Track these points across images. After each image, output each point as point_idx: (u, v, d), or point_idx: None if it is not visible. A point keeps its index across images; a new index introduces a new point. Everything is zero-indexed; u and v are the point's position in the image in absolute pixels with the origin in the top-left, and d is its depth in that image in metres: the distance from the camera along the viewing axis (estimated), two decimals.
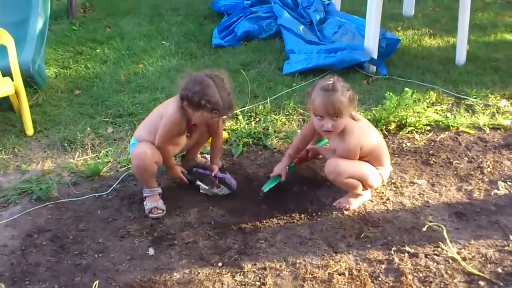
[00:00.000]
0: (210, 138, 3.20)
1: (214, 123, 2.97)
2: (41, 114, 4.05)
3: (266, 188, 2.99)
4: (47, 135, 3.78)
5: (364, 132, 2.79)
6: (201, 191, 3.06)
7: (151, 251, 2.64)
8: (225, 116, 2.90)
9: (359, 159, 2.80)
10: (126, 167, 3.33)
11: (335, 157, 2.80)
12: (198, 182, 3.07)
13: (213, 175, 3.10)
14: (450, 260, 2.48)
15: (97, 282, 2.41)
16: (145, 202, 2.94)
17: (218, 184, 3.10)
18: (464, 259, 2.48)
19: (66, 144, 3.63)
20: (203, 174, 3.14)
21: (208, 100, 2.66)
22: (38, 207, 3.00)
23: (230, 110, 2.82)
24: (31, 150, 3.60)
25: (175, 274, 2.48)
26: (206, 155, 3.36)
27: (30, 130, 3.77)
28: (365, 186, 2.84)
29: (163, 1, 7.12)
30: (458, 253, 2.51)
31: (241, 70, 4.60)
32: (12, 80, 3.80)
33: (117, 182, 3.19)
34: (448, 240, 2.56)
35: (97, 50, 5.39)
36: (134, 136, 3.01)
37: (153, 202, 2.92)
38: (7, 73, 3.85)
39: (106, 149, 3.56)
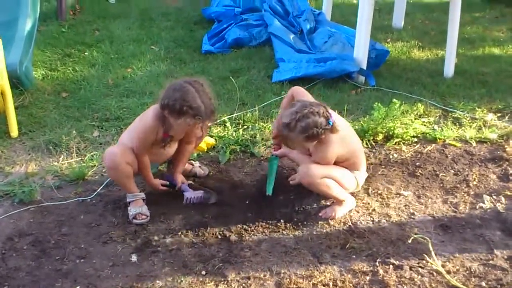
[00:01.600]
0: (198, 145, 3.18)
1: (192, 131, 2.93)
2: (27, 116, 4.00)
3: (269, 190, 2.99)
4: (32, 137, 3.73)
5: (342, 142, 2.80)
6: (183, 202, 2.99)
7: (134, 258, 2.60)
8: (208, 121, 2.85)
9: (335, 164, 2.83)
10: None
11: (306, 162, 2.84)
12: (183, 189, 3.03)
13: (176, 188, 3.05)
14: (435, 273, 2.47)
15: None
16: (129, 208, 2.91)
17: (203, 188, 3.07)
18: (448, 272, 2.47)
19: (51, 147, 3.59)
20: (171, 183, 3.06)
21: (189, 106, 2.64)
22: (20, 210, 2.95)
23: (213, 114, 2.77)
24: (15, 152, 3.55)
25: (157, 281, 2.45)
26: (193, 162, 3.34)
27: (14, 132, 3.72)
28: (341, 186, 2.85)
29: (153, 6, 7.11)
30: (443, 266, 2.51)
31: (230, 77, 4.59)
32: None
33: (102, 186, 3.15)
34: (433, 253, 2.55)
35: (86, 53, 5.36)
36: (118, 141, 2.99)
37: (137, 208, 2.89)
38: None
39: (92, 153, 3.52)
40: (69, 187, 3.18)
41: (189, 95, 2.65)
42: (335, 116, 2.80)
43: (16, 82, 4.19)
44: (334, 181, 2.80)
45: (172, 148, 3.01)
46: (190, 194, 3.00)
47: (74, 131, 3.77)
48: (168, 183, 3.07)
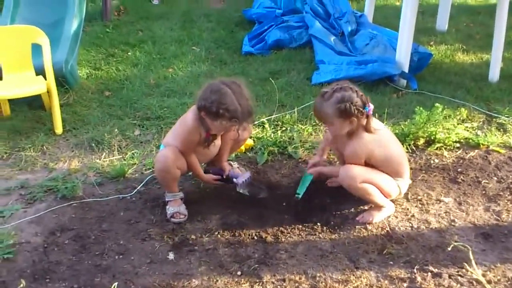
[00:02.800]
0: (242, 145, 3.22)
1: (230, 131, 2.94)
2: (71, 114, 4.12)
3: (300, 191, 2.95)
4: (75, 135, 3.83)
5: (378, 144, 2.76)
6: (237, 190, 3.03)
7: (171, 256, 2.64)
8: (245, 123, 2.83)
9: (376, 169, 2.78)
10: (151, 170, 3.35)
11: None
12: (235, 181, 3.04)
13: (224, 176, 3.07)
14: (475, 282, 2.41)
15: (116, 284, 2.42)
16: (167, 207, 2.95)
17: (254, 184, 3.09)
18: (489, 282, 2.41)
19: (93, 144, 3.68)
20: (217, 174, 3.10)
21: (226, 109, 2.64)
22: (62, 205, 3.04)
23: (250, 116, 2.78)
24: (59, 149, 3.65)
25: (193, 280, 2.47)
26: (232, 163, 3.36)
27: (59, 129, 3.84)
28: (382, 193, 2.81)
29: (195, 7, 7.19)
30: (483, 275, 2.44)
31: (270, 79, 4.60)
32: (45, 79, 3.87)
33: (142, 184, 3.21)
34: (473, 261, 2.48)
35: (129, 53, 5.47)
36: (162, 142, 3.03)
37: (175, 207, 2.93)
38: (41, 72, 3.94)
39: (133, 151, 3.59)
40: (110, 184, 3.26)
41: (226, 98, 2.65)
42: (375, 122, 2.78)
43: (62, 80, 4.32)
44: (374, 186, 2.76)
45: (216, 147, 3.03)
46: (240, 179, 3.01)
47: (116, 129, 3.85)
48: (219, 176, 3.09)
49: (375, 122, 2.80)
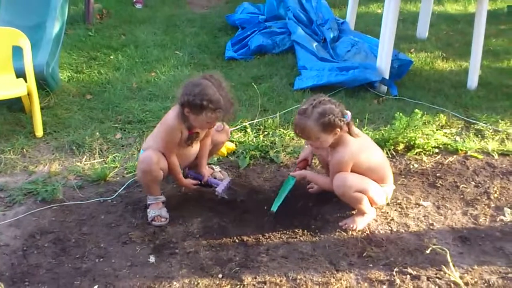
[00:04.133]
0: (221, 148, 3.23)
1: (213, 126, 2.94)
2: (52, 117, 4.08)
3: (274, 207, 2.92)
4: (56, 138, 3.80)
5: (362, 149, 2.79)
6: (216, 194, 3.04)
7: (152, 259, 2.63)
8: (229, 115, 2.82)
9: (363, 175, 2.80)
10: (132, 173, 3.34)
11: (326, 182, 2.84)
12: (214, 184, 3.07)
13: (203, 182, 3.08)
14: (452, 285, 2.45)
15: (96, 287, 2.42)
16: (148, 210, 2.94)
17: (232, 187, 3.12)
18: (466, 284, 2.45)
19: (74, 148, 3.65)
20: (196, 178, 3.10)
21: (209, 100, 2.66)
22: (42, 208, 3.01)
23: (232, 106, 2.79)
24: (39, 152, 3.62)
25: (174, 283, 2.47)
26: (213, 166, 3.36)
27: (39, 132, 3.80)
28: (371, 202, 2.84)
29: (179, 12, 7.20)
30: (461, 277, 2.48)
31: (253, 84, 4.62)
32: (26, 81, 3.84)
33: (123, 187, 3.20)
34: (451, 264, 2.53)
35: (111, 57, 5.44)
36: (142, 147, 3.03)
37: (157, 210, 2.92)
38: (21, 74, 3.90)
39: (114, 155, 3.58)
40: (90, 187, 3.24)
41: (208, 89, 2.68)
42: (357, 130, 2.81)
43: (43, 83, 4.28)
44: (366, 195, 2.78)
45: (195, 149, 3.03)
46: (220, 187, 3.02)
47: (97, 133, 3.83)
48: (199, 182, 3.09)
49: (356, 130, 2.82)
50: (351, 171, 2.79)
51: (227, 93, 2.75)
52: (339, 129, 2.68)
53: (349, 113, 2.73)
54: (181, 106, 2.75)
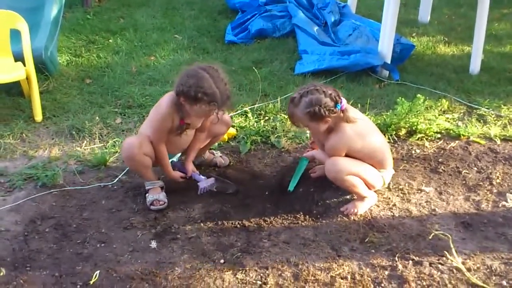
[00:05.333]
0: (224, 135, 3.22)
1: (208, 118, 2.93)
2: (51, 101, 4.05)
3: (291, 187, 2.99)
4: (55, 122, 3.78)
5: (358, 135, 2.76)
6: (198, 193, 3.00)
7: (153, 244, 2.62)
8: (224, 108, 2.81)
9: (360, 160, 2.79)
10: None
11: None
12: (201, 177, 3.04)
13: (187, 177, 3.05)
14: (455, 270, 2.45)
15: (97, 272, 2.41)
16: (147, 195, 2.93)
17: (222, 180, 3.08)
18: (469, 269, 2.44)
19: (74, 132, 3.63)
20: (180, 171, 3.06)
21: (204, 92, 2.63)
22: (43, 193, 2.99)
23: (228, 100, 2.76)
24: (39, 137, 3.60)
25: (176, 268, 2.46)
26: (214, 151, 3.34)
27: (39, 116, 3.78)
28: (368, 185, 2.83)
29: None
30: (463, 263, 2.48)
31: (253, 68, 4.59)
32: (24, 65, 3.80)
33: (123, 173, 3.18)
34: (453, 250, 2.52)
35: (110, 40, 5.39)
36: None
37: (155, 195, 2.91)
38: (20, 58, 3.86)
39: (114, 139, 3.55)
40: (91, 172, 3.22)
41: (204, 82, 2.64)
42: (355, 112, 2.79)
43: (42, 67, 4.25)
44: (359, 178, 2.77)
45: (188, 137, 3.00)
46: (203, 184, 3.00)
47: (97, 117, 3.81)
48: (184, 174, 3.06)
49: (353, 112, 2.79)
50: (348, 157, 2.78)
51: (225, 86, 2.70)
52: (328, 118, 2.65)
53: (343, 101, 2.69)
54: (176, 95, 2.73)
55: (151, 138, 2.84)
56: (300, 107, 2.65)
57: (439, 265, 2.48)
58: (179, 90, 2.69)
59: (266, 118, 3.86)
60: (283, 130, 3.66)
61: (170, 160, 3.04)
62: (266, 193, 3.04)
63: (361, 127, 2.79)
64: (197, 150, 3.12)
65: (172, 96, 2.78)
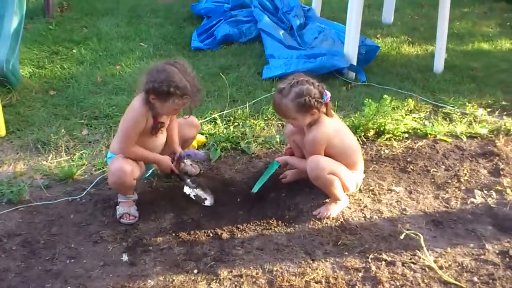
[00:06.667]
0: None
1: (178, 113, 2.89)
2: (14, 115, 3.95)
3: (255, 188, 2.96)
4: (19, 136, 3.68)
5: (336, 131, 2.81)
6: (184, 191, 2.99)
7: (125, 257, 2.57)
8: (196, 100, 2.78)
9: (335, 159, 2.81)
10: (101, 170, 3.26)
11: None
12: (186, 180, 3.02)
13: (176, 157, 2.99)
14: (427, 269, 2.47)
15: None
16: (117, 207, 2.87)
17: (205, 188, 3.05)
18: (440, 267, 2.47)
19: (39, 146, 3.54)
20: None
21: (176, 86, 2.61)
22: (8, 210, 2.91)
23: (199, 92, 2.75)
24: (3, 152, 3.50)
25: (149, 281, 2.42)
26: (184, 161, 3.29)
27: (2, 131, 3.67)
28: (343, 187, 2.84)
29: (142, 2, 7.04)
30: (435, 261, 2.51)
31: (221, 74, 4.57)
32: None
33: (91, 185, 3.12)
34: (425, 249, 2.56)
35: (74, 51, 5.29)
36: (109, 150, 2.95)
37: (126, 208, 2.86)
38: None
39: (81, 152, 3.48)
40: (58, 186, 3.15)
41: (174, 75, 2.63)
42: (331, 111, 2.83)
43: (3, 80, 4.13)
44: (338, 179, 2.78)
45: (162, 139, 2.95)
46: (187, 190, 2.99)
47: (62, 130, 3.72)
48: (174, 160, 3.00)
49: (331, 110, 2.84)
50: (325, 154, 2.80)
51: (193, 78, 2.71)
52: (316, 110, 2.68)
53: (328, 93, 2.75)
54: (146, 93, 2.68)
55: (122, 144, 2.75)
56: (290, 97, 2.67)
57: (412, 265, 2.50)
58: (150, 88, 2.65)
59: (236, 124, 3.85)
60: (253, 136, 3.65)
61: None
62: (238, 200, 3.02)
63: (337, 124, 2.87)
64: (177, 134, 3.06)
65: (141, 96, 2.73)
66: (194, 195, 3.00)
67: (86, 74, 4.74)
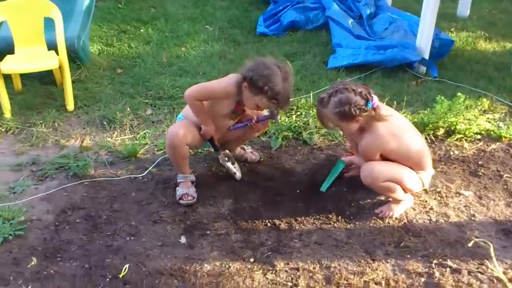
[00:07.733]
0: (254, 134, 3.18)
1: (261, 110, 2.89)
2: (83, 90, 4.05)
3: (324, 187, 2.93)
4: (87, 112, 3.77)
5: (392, 135, 2.63)
6: (220, 162, 3.03)
7: (183, 239, 2.59)
8: (281, 108, 2.80)
9: (396, 162, 2.68)
10: (162, 151, 3.29)
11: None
12: (220, 152, 3.03)
13: (253, 121, 2.97)
14: (495, 280, 2.34)
15: (127, 265, 2.39)
16: (177, 188, 2.90)
17: (234, 162, 3.08)
18: (510, 280, 2.33)
19: (105, 123, 3.62)
20: (241, 126, 3.00)
21: (271, 88, 2.61)
22: (74, 183, 2.99)
23: (287, 103, 2.75)
24: (71, 126, 3.60)
25: (205, 265, 2.43)
26: (245, 147, 3.29)
27: (71, 106, 3.77)
28: (404, 189, 2.72)
29: None
30: (504, 273, 2.37)
31: (285, 61, 4.49)
32: (57, 54, 3.79)
33: (153, 165, 3.15)
34: (494, 259, 2.41)
35: (141, 30, 5.37)
36: (182, 111, 2.98)
37: (185, 189, 2.88)
38: (52, 47, 3.85)
39: (144, 131, 3.53)
40: (121, 164, 3.20)
41: (275, 77, 2.63)
42: (388, 110, 2.67)
43: (74, 56, 4.24)
44: (397, 183, 2.66)
45: (227, 123, 2.96)
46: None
47: (128, 108, 3.79)
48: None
49: (387, 110, 2.68)
50: (383, 158, 2.68)
51: (289, 88, 2.70)
52: (360, 117, 2.56)
53: (375, 98, 2.57)
54: (243, 78, 2.69)
55: (195, 93, 2.75)
56: (329, 107, 2.56)
57: (479, 274, 2.37)
58: (249, 76, 2.66)
59: (298, 113, 3.78)
60: (316, 126, 3.57)
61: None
62: (298, 191, 2.97)
63: (395, 126, 2.67)
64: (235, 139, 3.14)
65: (237, 77, 2.74)
66: (226, 168, 3.02)
67: (152, 54, 4.80)
